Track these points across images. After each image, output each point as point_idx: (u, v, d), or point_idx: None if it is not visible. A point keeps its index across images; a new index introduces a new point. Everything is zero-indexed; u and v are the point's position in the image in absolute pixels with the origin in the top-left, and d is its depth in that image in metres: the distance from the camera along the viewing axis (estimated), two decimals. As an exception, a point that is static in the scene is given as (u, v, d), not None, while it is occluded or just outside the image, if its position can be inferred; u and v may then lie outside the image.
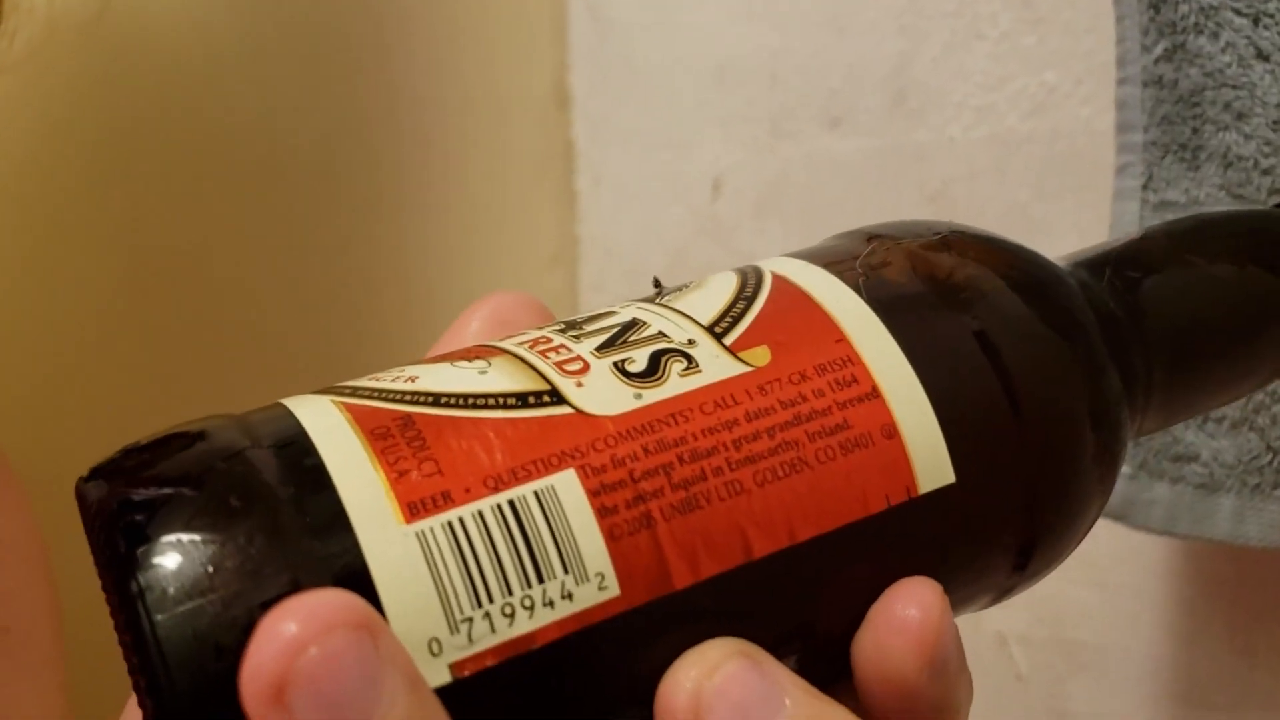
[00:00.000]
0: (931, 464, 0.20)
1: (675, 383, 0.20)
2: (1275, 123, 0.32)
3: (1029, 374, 0.21)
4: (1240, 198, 0.33)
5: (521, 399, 0.19)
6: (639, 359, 0.20)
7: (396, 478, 0.18)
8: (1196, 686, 0.40)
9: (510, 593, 0.18)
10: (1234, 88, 0.33)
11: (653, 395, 0.19)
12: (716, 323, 0.21)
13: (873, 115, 0.45)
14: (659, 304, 0.22)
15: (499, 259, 0.52)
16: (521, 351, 0.20)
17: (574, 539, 0.18)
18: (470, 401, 0.19)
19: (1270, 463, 0.33)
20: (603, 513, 0.18)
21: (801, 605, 0.20)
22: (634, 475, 0.19)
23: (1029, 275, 0.23)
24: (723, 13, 0.47)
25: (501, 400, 0.19)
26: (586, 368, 0.20)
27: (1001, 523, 0.21)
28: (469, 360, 0.20)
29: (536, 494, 0.18)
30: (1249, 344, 0.24)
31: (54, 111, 0.53)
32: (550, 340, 0.20)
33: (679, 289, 0.22)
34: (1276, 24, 0.32)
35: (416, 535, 0.17)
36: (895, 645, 0.19)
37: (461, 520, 0.18)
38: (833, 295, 0.21)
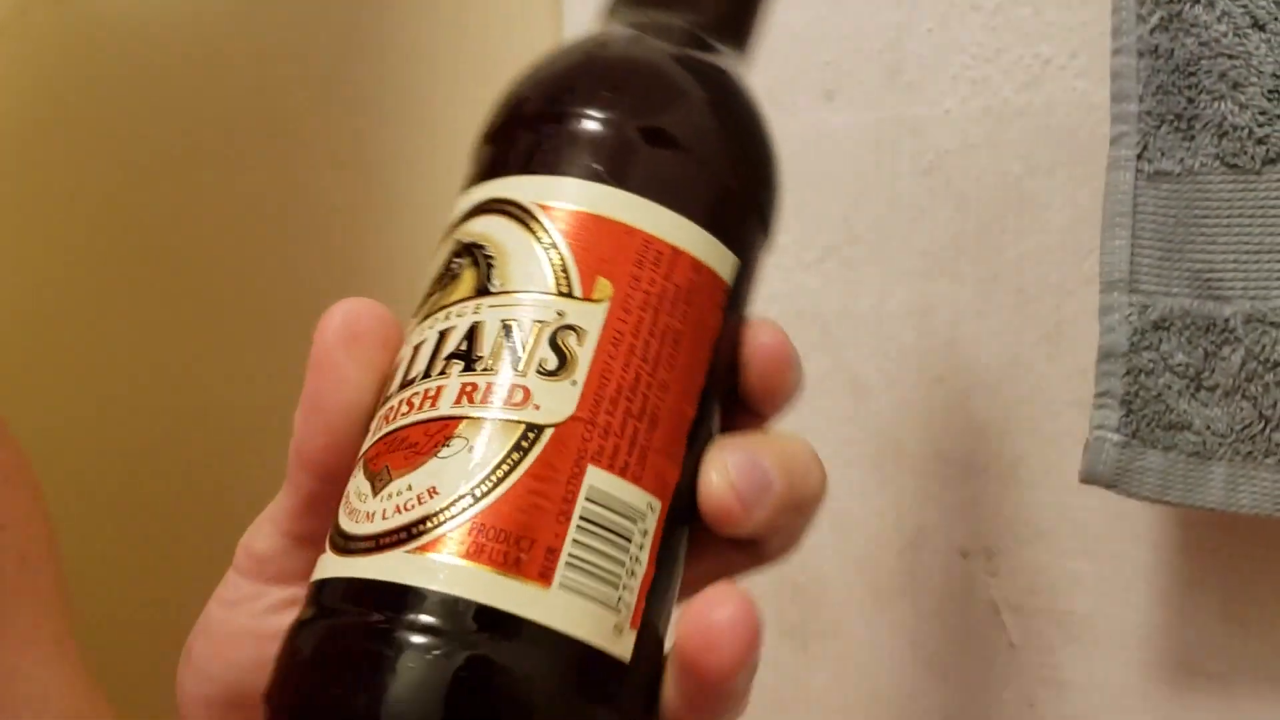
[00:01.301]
0: (720, 260, 0.26)
1: (584, 353, 0.24)
2: (1270, 91, 0.32)
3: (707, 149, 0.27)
4: (1235, 167, 0.33)
5: (519, 449, 0.23)
6: (547, 355, 0.24)
7: (514, 569, 0.23)
8: (1188, 655, 0.41)
9: (624, 565, 0.24)
10: (1230, 57, 0.33)
11: (581, 373, 0.24)
12: (558, 284, 0.25)
13: (867, 88, 0.45)
14: (494, 298, 0.25)
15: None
16: (473, 412, 0.24)
17: (625, 503, 0.24)
18: (497, 483, 0.23)
19: (1263, 430, 0.33)
20: (624, 472, 0.24)
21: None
22: (621, 433, 0.24)
23: (646, 80, 0.28)
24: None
25: (511, 463, 0.23)
26: (528, 392, 0.24)
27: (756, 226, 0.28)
28: (447, 446, 0.24)
29: (589, 499, 0.23)
30: None
31: (34, 84, 0.52)
32: (476, 386, 0.24)
33: (452, 279, 0.26)
34: (1271, -8, 0.32)
35: (561, 587, 0.23)
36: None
37: (573, 555, 0.23)
38: (588, 196, 0.25)
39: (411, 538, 0.23)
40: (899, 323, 0.45)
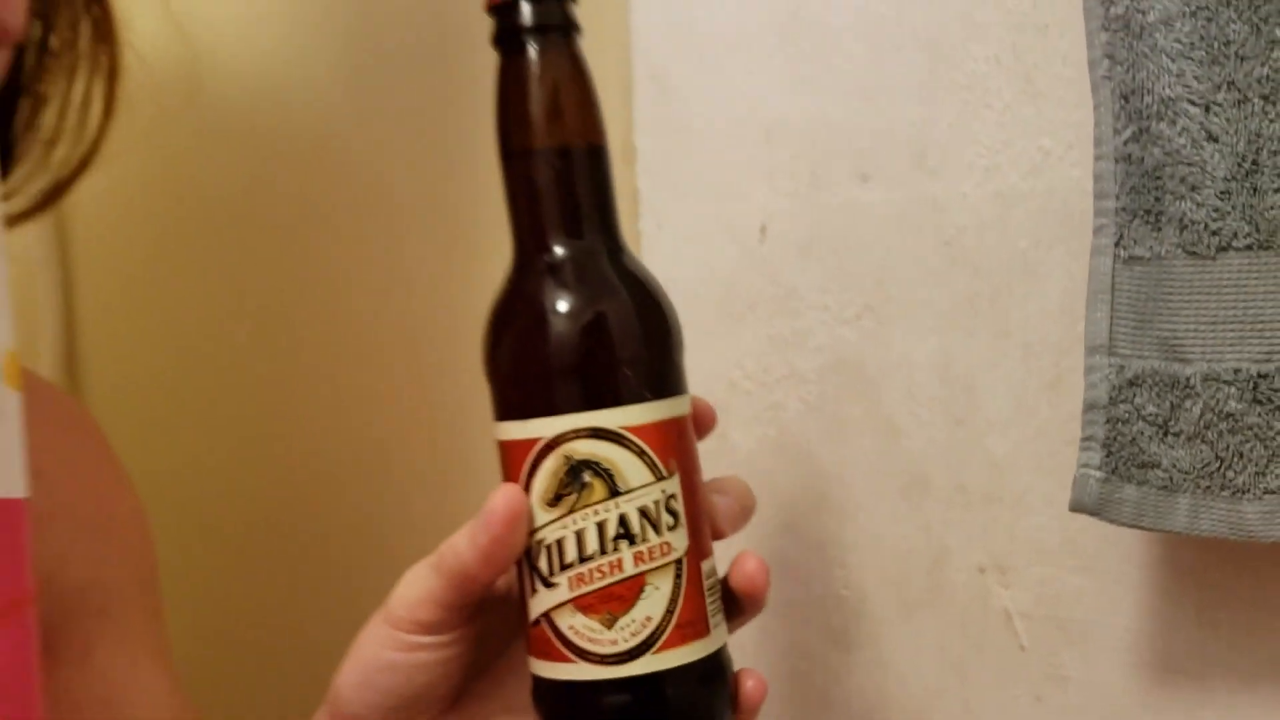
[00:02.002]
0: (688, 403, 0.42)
1: (680, 506, 0.40)
2: (1222, 193, 0.40)
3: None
4: (1194, 254, 0.41)
5: (678, 576, 0.40)
6: (669, 518, 0.40)
7: (700, 636, 0.41)
8: (1170, 655, 0.48)
9: (717, 602, 0.42)
10: (1188, 165, 0.40)
11: (683, 517, 0.40)
12: (655, 473, 0.39)
13: (897, 172, 0.53)
14: (624, 496, 0.39)
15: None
16: (647, 568, 0.39)
17: (713, 569, 0.42)
18: (677, 599, 0.40)
19: (1219, 469, 0.41)
20: (706, 556, 0.41)
21: None
22: (700, 535, 0.41)
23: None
24: (769, 82, 0.55)
25: (678, 586, 0.40)
26: (668, 545, 0.39)
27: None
28: (643, 591, 0.39)
29: (706, 579, 0.41)
30: None
31: (176, 166, 0.61)
32: (642, 553, 0.39)
33: (583, 486, 0.39)
34: (1224, 111, 0.40)
35: (713, 629, 0.41)
36: None
37: (709, 611, 0.41)
38: (645, 413, 0.39)
39: (652, 645, 0.39)
40: (924, 372, 0.52)
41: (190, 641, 0.58)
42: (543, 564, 0.39)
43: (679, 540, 0.39)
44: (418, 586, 0.40)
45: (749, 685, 0.41)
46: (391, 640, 0.40)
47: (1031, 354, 0.49)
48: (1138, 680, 0.49)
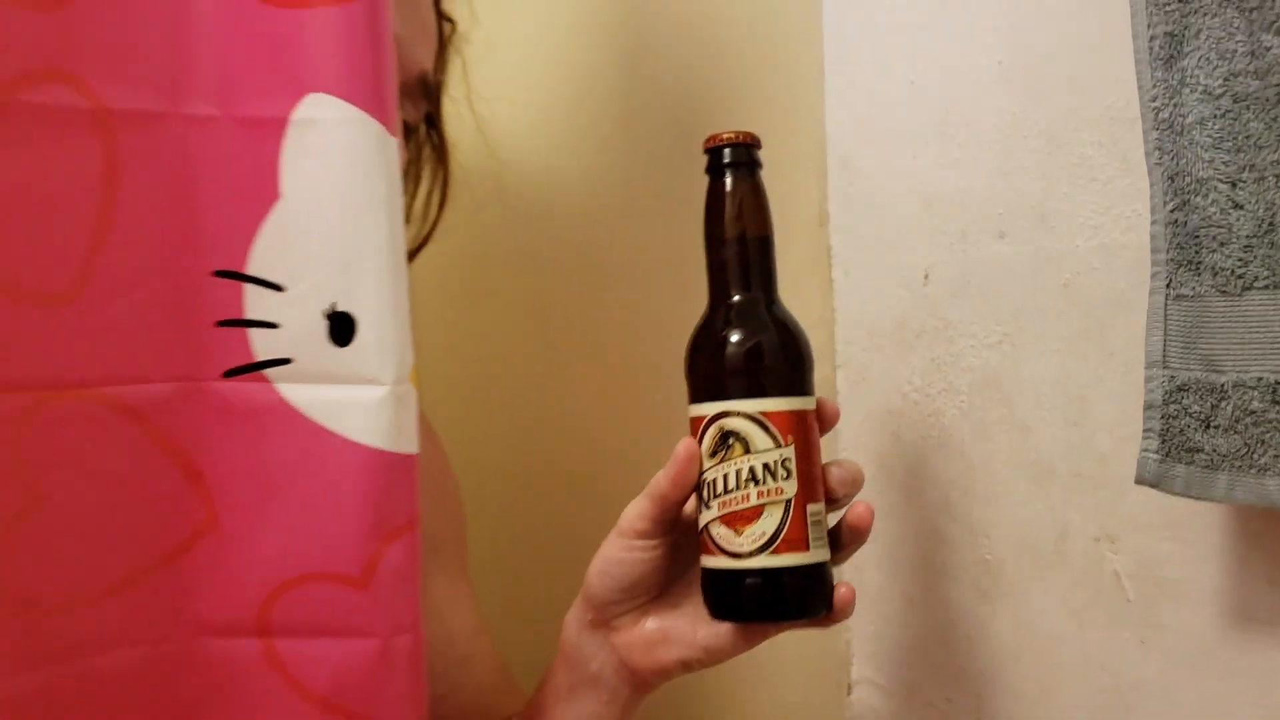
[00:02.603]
0: (810, 403, 0.61)
1: (793, 466, 0.59)
2: (1245, 248, 0.54)
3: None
4: (1225, 293, 0.55)
5: (786, 508, 0.59)
6: (782, 471, 0.59)
7: (800, 549, 0.59)
8: (1244, 607, 0.61)
9: (821, 531, 0.61)
10: (1219, 227, 0.55)
11: (794, 473, 0.59)
12: (776, 443, 0.59)
13: (1025, 231, 0.68)
14: (754, 455, 0.59)
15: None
16: (766, 501, 0.59)
17: (818, 510, 0.60)
18: (784, 522, 0.59)
19: (1247, 454, 0.54)
20: (814, 500, 0.60)
21: None
22: (809, 488, 0.60)
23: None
24: (929, 163, 0.72)
25: (785, 513, 0.59)
26: (781, 488, 0.59)
27: None
28: (760, 515, 0.59)
29: (810, 513, 0.60)
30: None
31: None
32: (764, 490, 0.59)
33: (729, 448, 0.60)
34: (1246, 187, 0.54)
35: (812, 548, 0.60)
36: None
37: (810, 533, 0.60)
38: (773, 403, 0.59)
39: (765, 550, 0.58)
40: (1049, 386, 0.67)
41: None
42: (705, 494, 0.60)
43: (789, 487, 0.58)
44: (635, 508, 0.61)
45: (842, 590, 0.60)
46: (620, 545, 0.61)
47: (1129, 371, 0.64)
48: (1220, 627, 0.62)
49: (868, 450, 0.75)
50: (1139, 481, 0.58)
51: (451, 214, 0.75)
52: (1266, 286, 0.54)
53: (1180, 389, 0.56)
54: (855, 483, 0.61)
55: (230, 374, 0.53)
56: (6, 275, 0.48)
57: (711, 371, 0.60)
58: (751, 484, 0.58)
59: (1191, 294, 0.56)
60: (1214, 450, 0.55)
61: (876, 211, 0.74)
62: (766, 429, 0.58)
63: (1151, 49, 0.57)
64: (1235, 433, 0.55)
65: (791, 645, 0.78)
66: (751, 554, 0.58)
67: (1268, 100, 0.53)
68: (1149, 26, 0.57)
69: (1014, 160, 0.68)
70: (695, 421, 0.60)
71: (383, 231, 0.53)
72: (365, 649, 0.54)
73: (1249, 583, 0.61)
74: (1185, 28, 0.56)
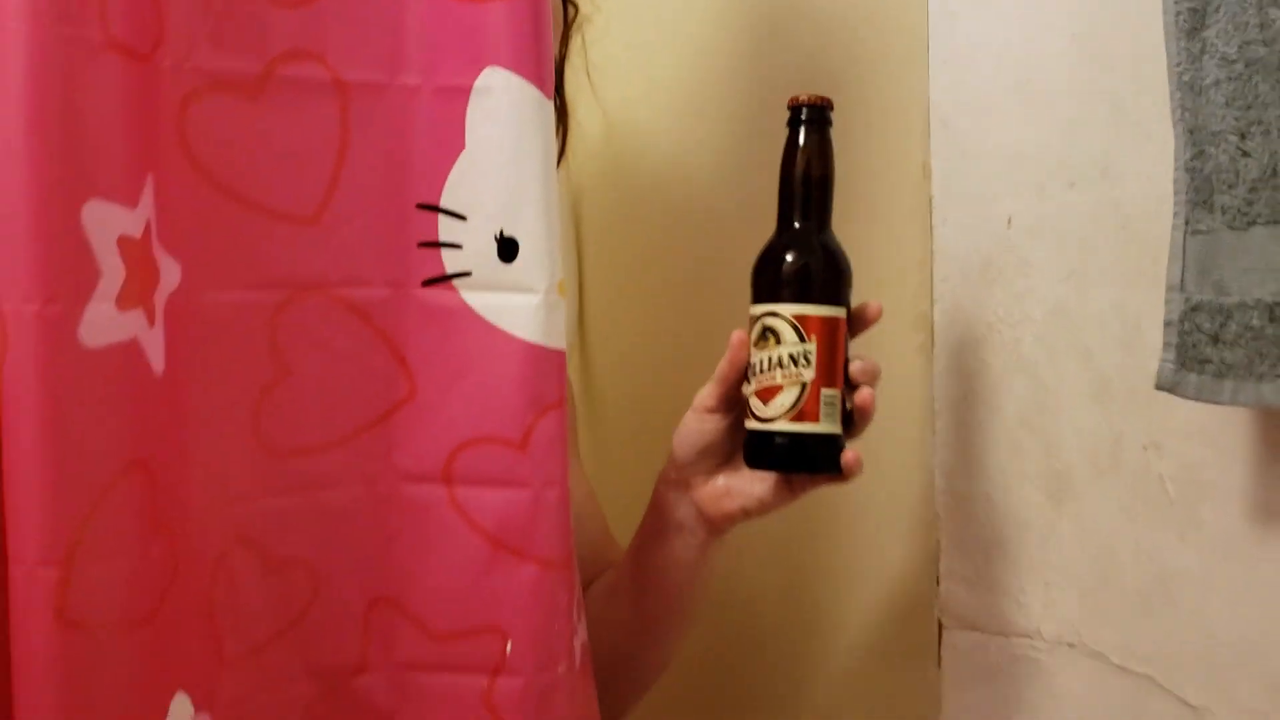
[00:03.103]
0: (840, 312, 0.77)
1: (814, 356, 0.75)
2: (1251, 189, 0.64)
3: None
4: (1233, 228, 0.65)
5: (803, 387, 0.75)
6: (804, 360, 0.75)
7: (812, 419, 0.76)
8: (1269, 505, 0.71)
9: (836, 410, 0.77)
10: (1229, 173, 0.65)
11: (814, 361, 0.75)
12: (800, 338, 0.76)
13: (1091, 181, 0.79)
14: (783, 346, 0.76)
15: (891, 266, 0.91)
16: (787, 381, 0.75)
17: (833, 394, 0.76)
18: (800, 398, 0.76)
19: (1248, 364, 0.65)
20: (832, 385, 0.77)
21: None
22: (829, 376, 0.76)
23: None
24: (1013, 124, 0.83)
25: (801, 392, 0.75)
26: (799, 373, 0.75)
27: None
28: (783, 390, 0.75)
29: (824, 397, 0.76)
30: None
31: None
32: (789, 373, 0.76)
33: (765, 340, 0.77)
34: (1253, 138, 0.64)
35: (823, 419, 0.76)
36: None
37: (822, 409, 0.76)
38: (803, 309, 0.76)
39: (788, 416, 0.74)
40: (1109, 314, 0.78)
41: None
42: (748, 373, 0.76)
43: (808, 374, 0.74)
44: (704, 389, 0.78)
45: (848, 456, 0.75)
46: (694, 418, 0.79)
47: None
48: (1247, 523, 0.73)
49: (959, 372, 0.87)
50: (1158, 387, 0.69)
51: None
52: (1268, 222, 0.64)
53: (1194, 309, 0.67)
54: (872, 374, 0.77)
55: (427, 283, 0.70)
56: (268, 201, 0.67)
57: (761, 280, 0.77)
58: (778, 368, 0.74)
59: (1205, 229, 0.67)
60: (1221, 361, 0.66)
61: (969, 165, 0.86)
62: (795, 327, 0.75)
63: (1178, 22, 0.67)
64: (1239, 346, 0.65)
65: (890, 543, 0.92)
66: (773, 420, 0.75)
67: (1273, 65, 0.64)
68: (1175, 3, 0.67)
69: (1083, 121, 0.79)
70: (751, 319, 0.77)
71: (539, 174, 0.68)
72: (522, 497, 0.70)
73: (1272, 483, 0.71)
74: (1207, 3, 0.66)
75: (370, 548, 0.71)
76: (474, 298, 0.70)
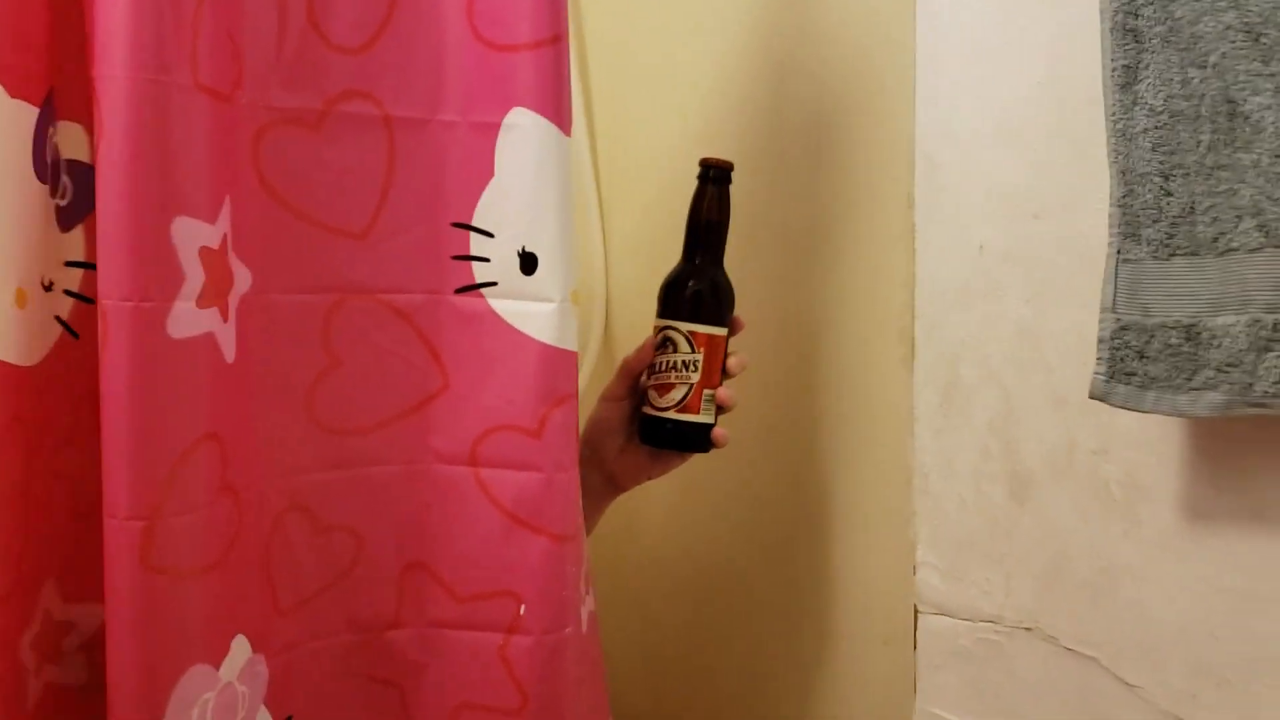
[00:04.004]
0: (721, 331, 0.95)
1: (702, 363, 0.93)
2: (1172, 225, 0.74)
3: None
4: (1156, 259, 0.74)
5: (689, 387, 0.93)
6: (692, 366, 0.94)
7: (694, 411, 0.95)
8: (1195, 504, 0.80)
9: (713, 405, 0.95)
10: (1154, 209, 0.75)
11: (700, 367, 0.93)
12: (692, 348, 0.94)
13: (1054, 212, 0.88)
14: (679, 354, 0.94)
15: (877, 286, 1.01)
16: (678, 380, 0.93)
17: (711, 394, 0.94)
18: (687, 395, 0.94)
19: (1168, 377, 0.74)
20: (711, 387, 0.95)
21: None
22: (710, 380, 0.95)
23: None
24: (988, 162, 0.93)
25: (688, 390, 0.93)
26: (688, 375, 0.93)
27: None
28: (674, 388, 0.94)
29: (705, 397, 0.94)
30: None
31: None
32: (682, 374, 0.95)
33: (665, 345, 0.95)
34: (1175, 178, 0.74)
35: (703, 411, 0.94)
36: None
37: (703, 404, 0.94)
38: (694, 326, 0.95)
39: (676, 409, 0.93)
40: (1067, 334, 0.87)
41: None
42: (648, 371, 0.94)
43: (694, 377, 0.92)
44: (610, 382, 0.94)
45: (718, 432, 0.94)
46: (605, 406, 0.95)
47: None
48: (1178, 521, 0.82)
49: (936, 383, 0.97)
50: (1091, 396, 0.78)
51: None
52: (1187, 254, 0.74)
53: (1123, 328, 0.76)
54: (742, 367, 0.96)
55: (459, 291, 0.82)
56: (325, 218, 0.78)
57: (667, 299, 0.95)
58: (673, 370, 0.93)
59: (1133, 258, 0.76)
60: (1145, 374, 0.75)
61: (949, 197, 0.96)
62: (689, 339, 0.93)
63: (1114, 77, 0.77)
64: (1160, 361, 0.75)
65: (872, 535, 1.02)
66: (666, 410, 0.94)
67: (1192, 116, 0.73)
68: (1112, 60, 0.77)
69: (1047, 158, 0.89)
70: (655, 326, 0.95)
71: (556, 199, 0.79)
72: (537, 479, 0.81)
73: (1198, 485, 0.81)
74: (1139, 62, 0.76)
75: (406, 518, 0.83)
76: (499, 304, 0.81)
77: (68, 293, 0.74)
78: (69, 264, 0.74)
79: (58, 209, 0.73)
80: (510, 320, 0.81)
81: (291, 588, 0.79)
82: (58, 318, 0.74)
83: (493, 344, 0.81)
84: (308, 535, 0.80)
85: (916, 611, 0.99)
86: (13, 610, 0.72)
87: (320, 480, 0.80)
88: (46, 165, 0.72)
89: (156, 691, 0.68)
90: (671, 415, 0.93)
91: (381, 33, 0.78)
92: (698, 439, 0.95)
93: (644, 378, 0.95)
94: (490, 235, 0.81)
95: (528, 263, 0.80)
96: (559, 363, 0.81)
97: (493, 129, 0.80)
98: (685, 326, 0.93)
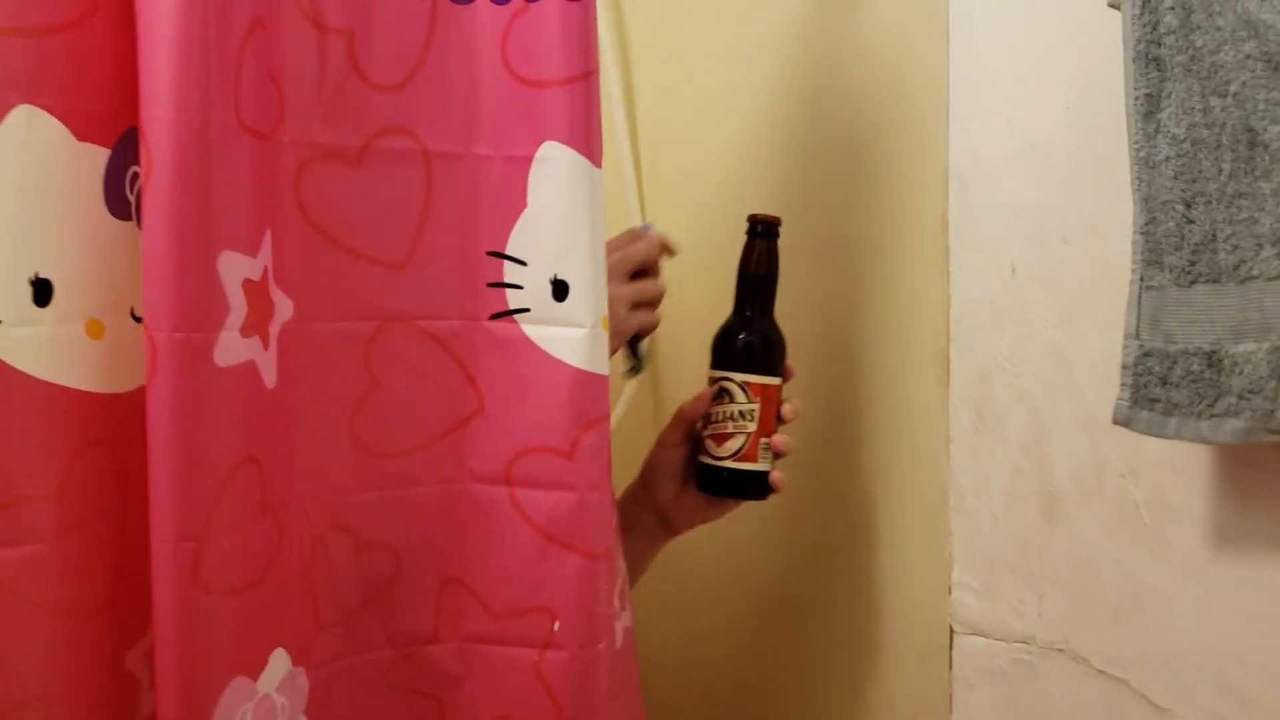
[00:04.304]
0: (775, 382, 1.00)
1: (758, 413, 0.97)
2: (1194, 252, 0.74)
3: None
4: (1179, 285, 0.75)
5: (748, 437, 0.98)
6: (750, 415, 0.98)
7: (752, 460, 0.99)
8: (1222, 528, 0.80)
9: (770, 453, 1.00)
10: (1176, 237, 0.75)
11: (757, 416, 0.98)
12: (749, 398, 0.98)
13: (1081, 237, 0.89)
14: (736, 404, 0.98)
15: (913, 308, 1.02)
16: (736, 430, 0.98)
17: (770, 445, 1.00)
18: (744, 445, 0.99)
19: (1189, 404, 0.74)
20: (769, 435, 0.99)
21: None
22: (768, 429, 0.99)
23: None
24: (1018, 185, 0.94)
25: (746, 440, 0.98)
26: (745, 426, 0.98)
27: None
28: (732, 437, 0.98)
29: (763, 444, 0.99)
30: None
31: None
32: (741, 425, 0.99)
33: (721, 396, 1.00)
34: (1196, 206, 0.74)
35: (761, 459, 1.00)
36: None
37: (760, 453, 0.99)
38: (748, 378, 1.00)
39: (734, 458, 0.97)
40: (1096, 355, 0.88)
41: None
42: (705, 420, 0.98)
43: (751, 425, 0.96)
44: (666, 429, 0.97)
45: (776, 477, 0.98)
46: (660, 451, 0.99)
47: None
48: (1204, 545, 0.82)
49: (970, 403, 0.98)
50: (1115, 422, 0.79)
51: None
52: (1208, 281, 0.74)
53: (1146, 355, 0.77)
54: (796, 414, 1.00)
55: (494, 317, 0.84)
56: (365, 248, 0.81)
57: (720, 351, 0.99)
58: (730, 420, 0.96)
59: (1156, 285, 0.77)
60: (1168, 400, 0.76)
61: (982, 220, 0.97)
62: (744, 390, 0.96)
63: (1137, 105, 0.77)
64: (1183, 387, 0.75)
65: (908, 555, 1.03)
66: (723, 459, 0.97)
67: (1213, 145, 0.74)
68: (1135, 89, 0.77)
69: (1076, 182, 0.89)
70: (710, 377, 0.98)
71: (587, 229, 0.82)
72: (570, 499, 0.84)
73: (1224, 510, 0.81)
74: (1161, 90, 0.76)
75: (444, 536, 0.86)
76: (532, 330, 0.84)
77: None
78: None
79: (145, 243, 0.76)
80: (543, 345, 0.83)
81: (332, 602, 0.83)
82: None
83: (525, 368, 0.84)
84: (349, 553, 0.83)
85: (952, 632, 1.00)
86: (112, 623, 0.74)
87: (361, 500, 0.84)
88: (129, 203, 0.74)
89: (203, 705, 0.72)
90: (729, 464, 0.97)
91: (418, 71, 0.81)
92: (755, 487, 0.98)
93: (700, 426, 0.98)
94: (523, 263, 0.83)
95: (559, 290, 0.83)
96: (590, 386, 0.83)
97: (525, 162, 0.82)
98: (740, 377, 0.96)
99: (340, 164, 0.80)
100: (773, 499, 1.11)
